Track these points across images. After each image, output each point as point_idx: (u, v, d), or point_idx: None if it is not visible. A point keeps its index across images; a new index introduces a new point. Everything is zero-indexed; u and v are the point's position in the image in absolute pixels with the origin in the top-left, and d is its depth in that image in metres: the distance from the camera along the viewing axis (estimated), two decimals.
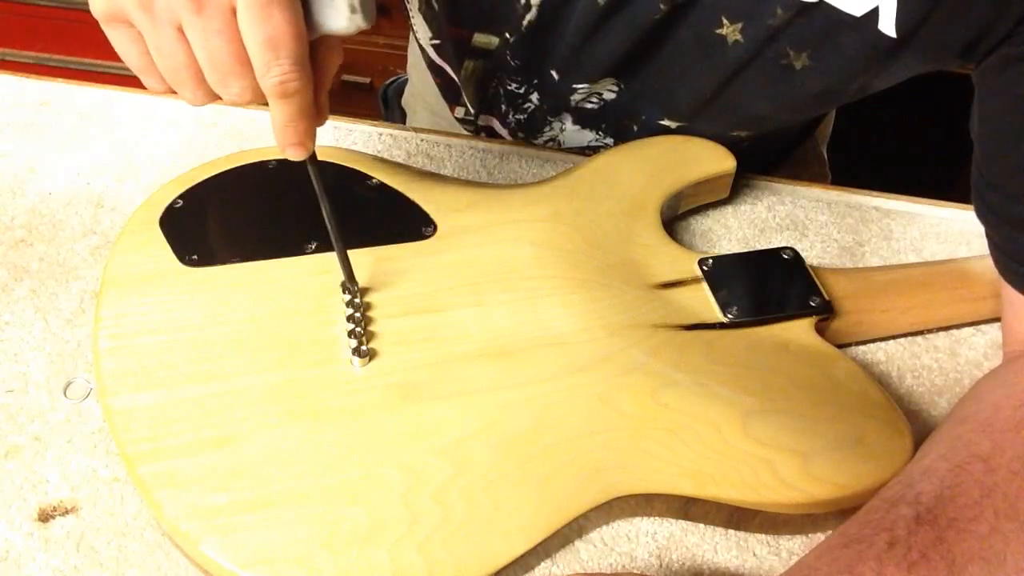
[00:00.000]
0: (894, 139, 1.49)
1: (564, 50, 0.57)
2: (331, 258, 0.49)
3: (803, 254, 0.53)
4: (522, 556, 0.40)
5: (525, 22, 0.56)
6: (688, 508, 0.44)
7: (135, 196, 0.58)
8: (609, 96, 0.60)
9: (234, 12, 0.36)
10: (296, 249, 0.50)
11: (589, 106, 0.61)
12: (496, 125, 0.69)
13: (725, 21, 0.50)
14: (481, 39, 0.60)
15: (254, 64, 0.37)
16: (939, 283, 0.54)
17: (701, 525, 0.45)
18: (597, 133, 0.64)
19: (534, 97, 0.63)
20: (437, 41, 0.64)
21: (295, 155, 0.41)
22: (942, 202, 0.63)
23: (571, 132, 0.65)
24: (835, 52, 0.50)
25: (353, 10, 0.38)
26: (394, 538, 0.39)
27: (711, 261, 0.52)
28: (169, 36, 0.37)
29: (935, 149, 1.46)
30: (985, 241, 0.52)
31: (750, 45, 0.51)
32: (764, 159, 0.71)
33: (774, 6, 0.48)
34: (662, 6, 0.51)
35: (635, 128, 0.62)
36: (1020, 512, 0.39)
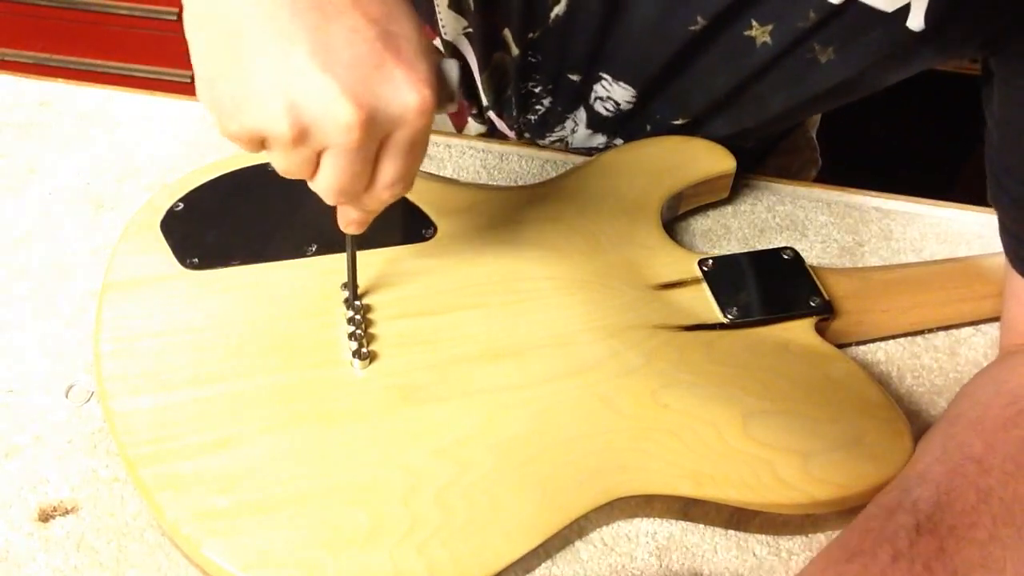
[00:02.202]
0: (894, 139, 1.49)
1: (589, 52, 0.57)
2: (331, 260, 0.49)
3: (803, 254, 0.53)
4: (522, 557, 0.40)
5: (552, 15, 0.56)
6: (688, 509, 0.44)
7: (135, 196, 0.58)
8: (626, 107, 0.59)
9: (381, 142, 0.36)
10: (296, 252, 0.50)
11: (605, 113, 0.61)
12: (503, 126, 0.69)
13: (755, 23, 0.50)
14: (508, 36, 0.60)
15: (379, 180, 0.37)
16: (939, 283, 0.54)
17: (701, 525, 0.45)
18: (608, 136, 0.64)
19: (546, 101, 0.63)
20: (471, 30, 0.64)
21: (354, 232, 0.42)
22: (942, 202, 0.63)
23: (582, 135, 0.64)
24: (860, 47, 0.49)
25: (451, 99, 0.38)
26: (395, 540, 0.39)
27: (711, 261, 0.52)
28: (305, 157, 0.35)
29: (935, 149, 1.46)
30: (985, 241, 0.52)
31: (777, 46, 0.50)
32: (758, 149, 0.71)
33: (807, 9, 0.48)
34: (700, 18, 0.50)
35: (648, 127, 0.62)
36: (1016, 516, 0.39)
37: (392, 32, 0.34)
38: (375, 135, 0.35)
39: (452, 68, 0.38)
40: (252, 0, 0.33)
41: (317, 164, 0.36)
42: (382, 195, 0.38)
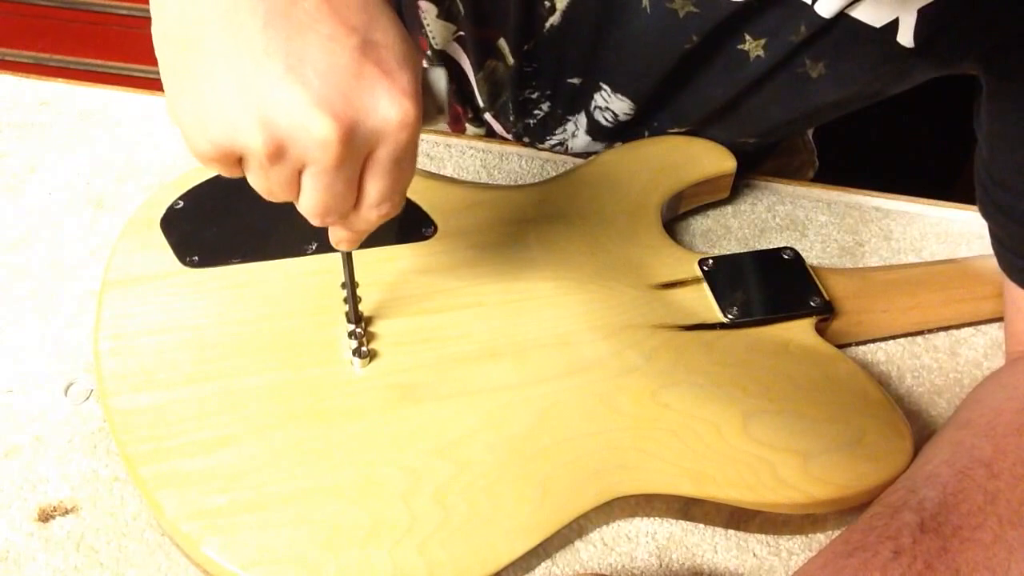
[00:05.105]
0: (894, 139, 1.49)
1: (585, 61, 0.57)
2: (331, 258, 0.49)
3: (803, 254, 0.53)
4: (522, 556, 0.40)
5: (547, 25, 0.56)
6: (688, 508, 0.44)
7: (135, 196, 0.58)
8: (624, 118, 0.60)
9: (365, 160, 0.34)
10: (296, 250, 0.50)
11: (604, 123, 0.61)
12: (500, 130, 0.69)
13: (748, 37, 0.50)
14: (503, 46, 0.60)
15: (365, 200, 0.35)
16: (939, 283, 0.54)
17: (701, 525, 0.45)
18: (608, 142, 0.64)
19: (545, 105, 0.63)
20: (461, 33, 0.63)
21: (347, 249, 0.41)
22: (942, 202, 0.63)
23: (582, 141, 0.64)
24: (852, 62, 0.50)
25: (440, 111, 0.37)
26: (394, 538, 0.39)
27: (711, 261, 0.52)
28: (285, 177, 0.33)
29: (935, 149, 1.46)
30: (985, 242, 0.52)
31: (771, 59, 0.51)
32: (758, 152, 0.71)
33: (799, 23, 0.48)
34: (695, 37, 0.50)
35: (646, 133, 0.62)
36: (1023, 520, 0.39)
37: (373, 41, 0.32)
38: (356, 152, 0.33)
39: (439, 78, 0.36)
40: (221, 9, 0.31)
41: (299, 184, 0.34)
42: (370, 216, 0.36)
